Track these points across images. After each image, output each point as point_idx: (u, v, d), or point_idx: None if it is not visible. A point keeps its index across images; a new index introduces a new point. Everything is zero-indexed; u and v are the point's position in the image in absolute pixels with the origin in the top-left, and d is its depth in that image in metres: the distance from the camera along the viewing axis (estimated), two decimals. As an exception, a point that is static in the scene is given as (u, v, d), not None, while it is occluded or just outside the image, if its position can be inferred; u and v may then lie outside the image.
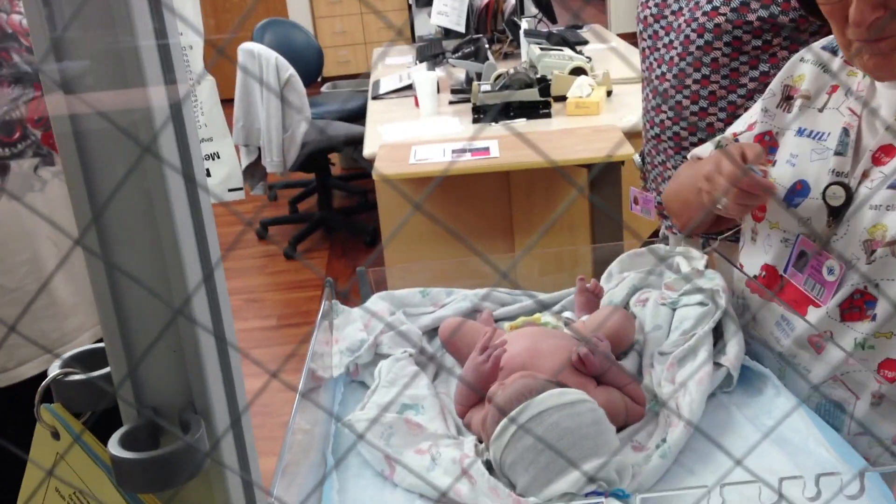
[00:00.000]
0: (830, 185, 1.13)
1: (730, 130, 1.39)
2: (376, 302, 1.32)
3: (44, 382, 0.52)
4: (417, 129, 3.08)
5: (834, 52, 1.22)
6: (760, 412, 1.09)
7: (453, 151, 2.76)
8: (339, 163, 5.12)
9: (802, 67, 1.25)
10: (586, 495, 0.91)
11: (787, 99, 1.26)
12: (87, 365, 0.55)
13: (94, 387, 0.53)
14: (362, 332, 1.25)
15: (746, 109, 1.77)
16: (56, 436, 0.53)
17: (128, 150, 0.48)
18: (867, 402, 1.10)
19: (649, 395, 1.12)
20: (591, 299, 1.26)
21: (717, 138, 1.40)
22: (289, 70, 3.74)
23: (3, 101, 1.36)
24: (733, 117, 1.76)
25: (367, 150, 2.88)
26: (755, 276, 1.25)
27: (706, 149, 1.39)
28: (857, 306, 1.10)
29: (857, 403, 1.08)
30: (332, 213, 4.52)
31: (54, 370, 0.53)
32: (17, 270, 1.44)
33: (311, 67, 4.94)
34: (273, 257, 4.21)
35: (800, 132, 1.22)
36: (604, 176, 2.75)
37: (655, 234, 3.05)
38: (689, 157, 1.47)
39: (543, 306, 1.35)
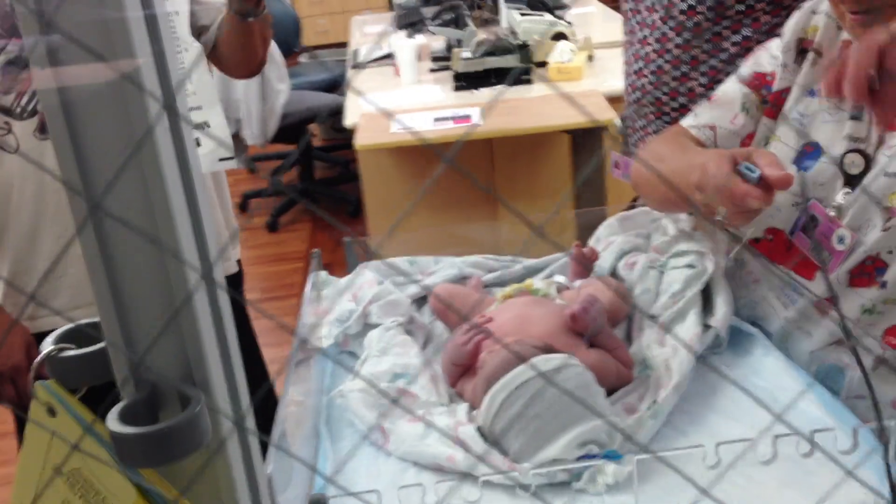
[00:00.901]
0: (848, 152, 1.09)
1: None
2: (364, 272, 1.31)
3: (36, 360, 0.51)
4: (399, 97, 3.06)
5: None
6: (749, 372, 1.10)
7: (435, 120, 2.74)
8: (320, 133, 5.08)
9: (816, 19, 1.18)
10: (578, 459, 0.92)
11: (801, 52, 1.19)
12: (77, 341, 0.54)
13: (87, 362, 0.53)
14: (351, 303, 1.25)
15: (728, 74, 1.75)
16: (52, 412, 0.52)
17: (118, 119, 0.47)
18: (868, 367, 1.06)
19: (639, 358, 1.12)
20: (585, 267, 1.26)
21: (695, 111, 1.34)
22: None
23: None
24: (714, 82, 1.74)
25: (349, 121, 2.85)
26: (758, 240, 1.21)
27: (689, 121, 1.31)
28: (867, 272, 1.07)
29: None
30: (313, 184, 4.49)
31: (47, 346, 0.52)
32: (67, 215, 1.49)
33: (289, 37, 4.88)
34: (255, 231, 4.18)
35: (810, 93, 1.16)
36: (585, 141, 2.75)
37: (637, 198, 3.07)
38: (668, 133, 1.39)
39: (531, 272, 1.35)
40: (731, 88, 1.27)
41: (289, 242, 4.05)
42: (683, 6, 1.68)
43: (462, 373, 1.10)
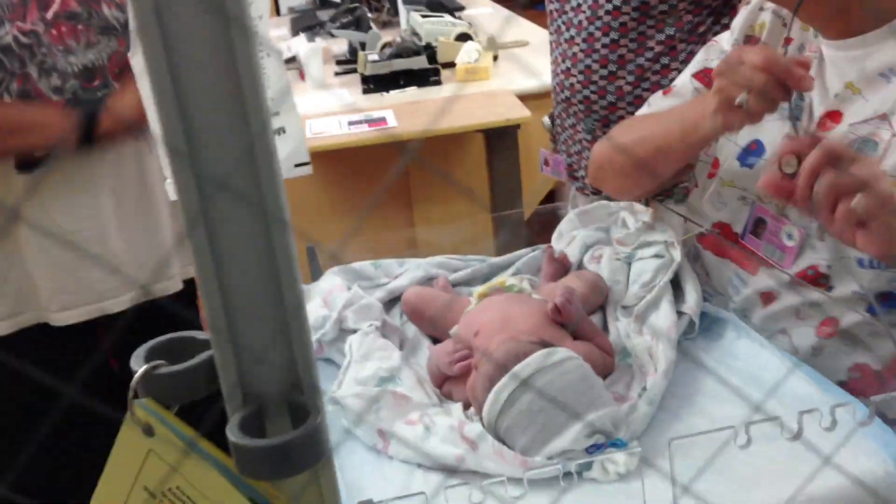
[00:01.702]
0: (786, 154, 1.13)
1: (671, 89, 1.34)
2: (331, 277, 1.30)
3: (134, 378, 0.49)
4: (307, 102, 3.02)
5: None
6: (725, 354, 1.14)
7: (350, 123, 2.72)
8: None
9: (763, 16, 1.22)
10: (587, 449, 0.93)
11: None
12: (165, 356, 0.52)
13: (184, 378, 0.50)
14: (323, 309, 1.23)
15: (654, 73, 1.81)
16: (149, 432, 0.50)
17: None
18: (807, 355, 1.14)
19: (619, 347, 1.15)
20: (559, 269, 1.27)
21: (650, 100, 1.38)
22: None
23: (90, 48, 1.48)
24: (641, 80, 1.80)
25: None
26: (704, 235, 1.26)
27: (643, 111, 1.36)
28: (810, 279, 1.12)
29: (797, 354, 1.13)
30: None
31: (139, 363, 0.50)
32: (76, 213, 1.52)
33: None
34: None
35: None
36: (501, 140, 2.78)
37: (551, 199, 3.12)
38: (627, 121, 1.43)
39: (497, 269, 1.36)
40: (684, 81, 1.31)
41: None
42: (609, 7, 1.72)
43: (448, 377, 1.11)
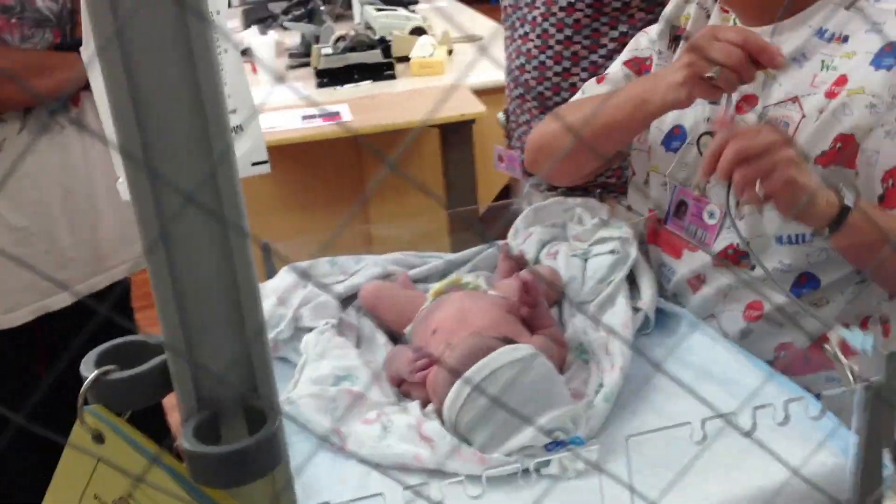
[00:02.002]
0: (703, 134, 1.19)
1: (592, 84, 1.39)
2: (286, 275, 1.28)
3: (84, 384, 0.47)
4: (259, 95, 2.98)
5: None
6: (680, 349, 1.15)
7: (303, 118, 2.69)
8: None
9: (688, 8, 1.28)
10: (546, 446, 0.93)
11: (674, 39, 1.29)
12: (117, 361, 0.50)
13: (136, 384, 0.49)
14: (279, 307, 1.21)
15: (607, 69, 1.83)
16: (99, 440, 0.48)
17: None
18: (736, 338, 1.18)
19: (575, 343, 1.15)
20: (514, 267, 1.27)
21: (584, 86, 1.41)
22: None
23: (25, 42, 1.46)
24: (595, 77, 1.82)
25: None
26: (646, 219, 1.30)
27: (577, 97, 1.40)
28: (731, 259, 1.17)
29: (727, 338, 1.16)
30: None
31: (89, 368, 0.48)
32: (25, 209, 1.49)
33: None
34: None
35: None
36: (456, 136, 2.78)
37: (505, 193, 3.12)
38: (567, 104, 1.45)
39: (453, 266, 1.36)
40: (615, 69, 1.36)
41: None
42: (563, 3, 1.73)
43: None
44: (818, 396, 0.85)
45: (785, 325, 1.15)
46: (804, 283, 1.14)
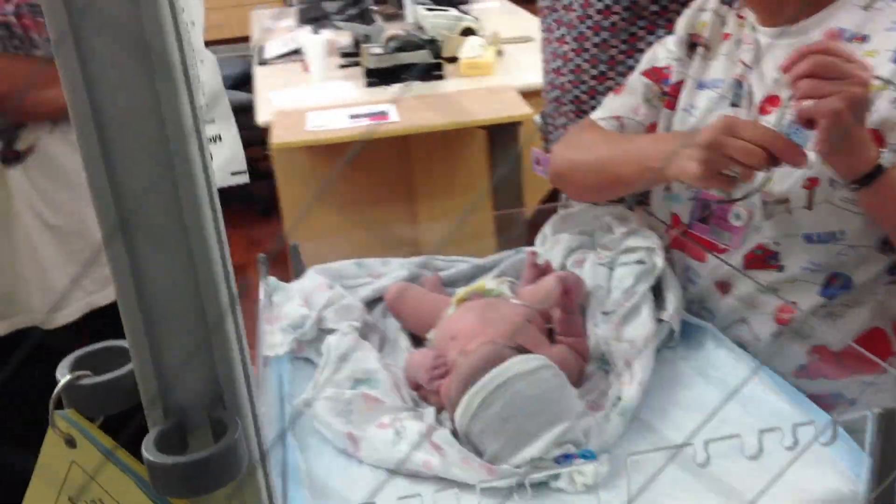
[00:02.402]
0: None
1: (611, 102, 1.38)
2: (314, 276, 1.29)
3: (56, 389, 0.48)
4: (310, 94, 3.01)
5: (730, 5, 1.26)
6: (705, 364, 1.13)
7: (351, 117, 2.71)
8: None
9: (703, 16, 1.28)
10: (556, 459, 0.92)
11: (692, 47, 1.28)
12: (91, 366, 0.51)
13: (107, 389, 0.50)
14: (303, 308, 1.22)
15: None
16: (71, 444, 0.49)
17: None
18: (768, 343, 1.16)
19: (597, 354, 1.14)
20: (540, 275, 1.26)
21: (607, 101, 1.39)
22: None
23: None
24: None
25: (261, 118, 2.79)
26: (669, 226, 1.29)
27: (597, 114, 1.38)
28: (759, 259, 1.15)
29: (758, 342, 1.16)
30: (218, 183, 4.37)
31: (64, 373, 0.49)
32: (60, 208, 1.49)
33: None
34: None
35: (700, 86, 1.25)
36: (502, 137, 2.77)
37: (553, 195, 3.10)
38: (582, 124, 1.43)
39: (480, 270, 1.35)
40: (634, 80, 1.35)
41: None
42: (600, 6, 1.71)
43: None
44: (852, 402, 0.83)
45: (817, 328, 1.13)
46: (834, 283, 1.12)
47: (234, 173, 0.88)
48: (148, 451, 0.45)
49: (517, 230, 1.59)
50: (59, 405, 0.50)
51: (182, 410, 0.47)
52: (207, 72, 0.84)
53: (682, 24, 1.30)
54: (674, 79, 1.29)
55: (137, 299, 0.45)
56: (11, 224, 1.43)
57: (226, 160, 0.86)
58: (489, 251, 1.42)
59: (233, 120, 0.86)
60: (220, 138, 0.86)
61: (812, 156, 1.03)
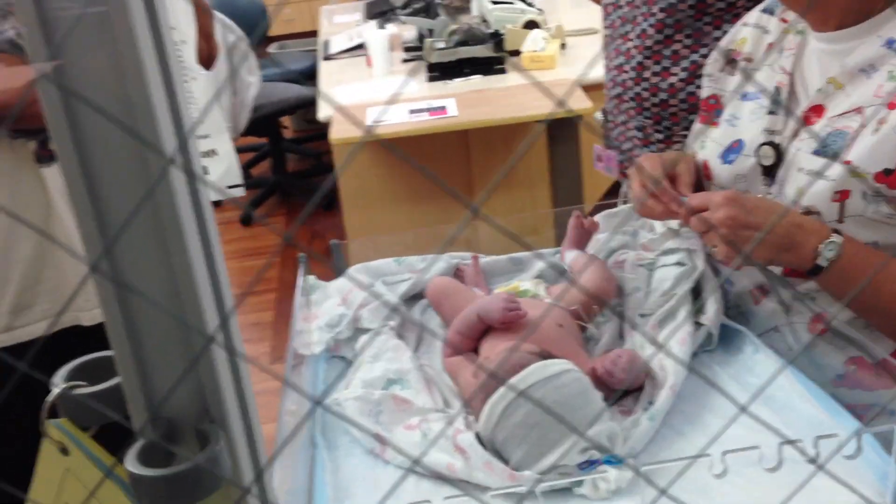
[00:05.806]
0: (762, 144, 1.17)
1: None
2: (355, 275, 1.30)
3: (49, 397, 0.50)
4: (372, 89, 3.03)
5: (771, 13, 1.25)
6: (742, 370, 1.10)
7: (410, 112, 2.72)
8: (291, 125, 5.03)
9: (744, 31, 1.29)
10: (580, 465, 0.92)
11: (730, 62, 1.29)
12: (89, 376, 0.53)
13: (100, 400, 0.51)
14: (341, 307, 1.24)
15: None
16: (65, 452, 0.51)
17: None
18: (802, 352, 1.14)
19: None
20: (584, 235, 1.26)
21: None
22: (236, 31, 3.64)
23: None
24: (695, 77, 1.76)
25: (322, 113, 2.83)
26: None
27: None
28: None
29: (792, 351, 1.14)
30: (286, 176, 4.45)
31: (59, 383, 0.51)
32: (47, 222, 1.43)
33: (256, 27, 4.82)
34: (228, 225, 4.14)
35: (743, 97, 1.25)
36: (562, 131, 2.75)
37: (613, 191, 3.06)
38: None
39: (517, 263, 1.35)
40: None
41: (263, 236, 4.01)
42: (664, 3, 1.68)
43: (469, 347, 1.10)
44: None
45: (853, 338, 1.10)
46: None
47: (230, 186, 0.90)
48: (130, 463, 0.46)
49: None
50: (55, 414, 0.52)
51: (169, 423, 0.49)
52: (200, 88, 0.86)
53: (720, 45, 1.33)
54: (704, 94, 1.32)
55: (123, 316, 0.47)
56: (51, 221, 1.45)
57: (222, 174, 0.88)
58: (549, 245, 1.42)
59: (227, 134, 0.88)
60: (215, 153, 0.87)
61: (838, 168, 1.04)
